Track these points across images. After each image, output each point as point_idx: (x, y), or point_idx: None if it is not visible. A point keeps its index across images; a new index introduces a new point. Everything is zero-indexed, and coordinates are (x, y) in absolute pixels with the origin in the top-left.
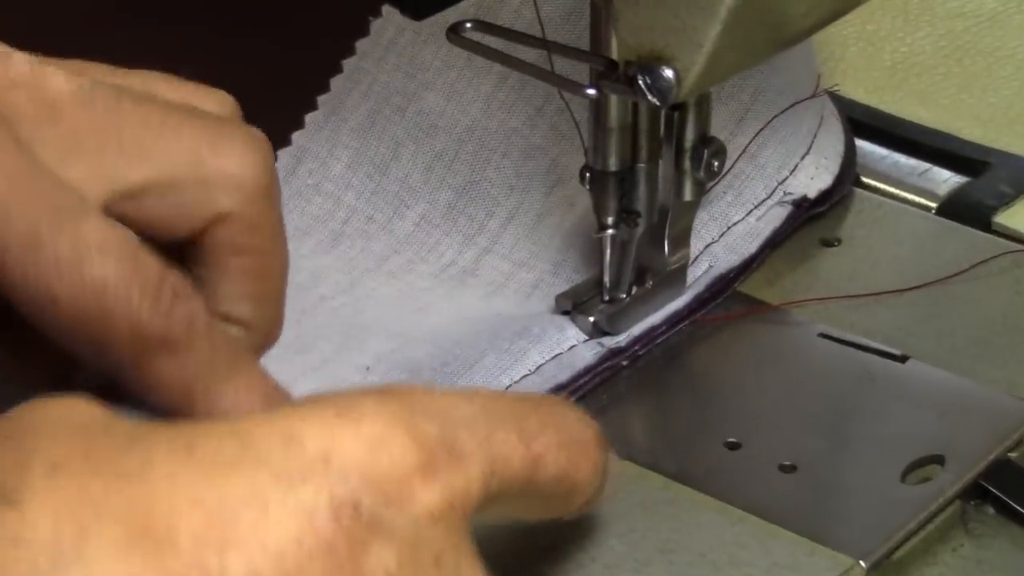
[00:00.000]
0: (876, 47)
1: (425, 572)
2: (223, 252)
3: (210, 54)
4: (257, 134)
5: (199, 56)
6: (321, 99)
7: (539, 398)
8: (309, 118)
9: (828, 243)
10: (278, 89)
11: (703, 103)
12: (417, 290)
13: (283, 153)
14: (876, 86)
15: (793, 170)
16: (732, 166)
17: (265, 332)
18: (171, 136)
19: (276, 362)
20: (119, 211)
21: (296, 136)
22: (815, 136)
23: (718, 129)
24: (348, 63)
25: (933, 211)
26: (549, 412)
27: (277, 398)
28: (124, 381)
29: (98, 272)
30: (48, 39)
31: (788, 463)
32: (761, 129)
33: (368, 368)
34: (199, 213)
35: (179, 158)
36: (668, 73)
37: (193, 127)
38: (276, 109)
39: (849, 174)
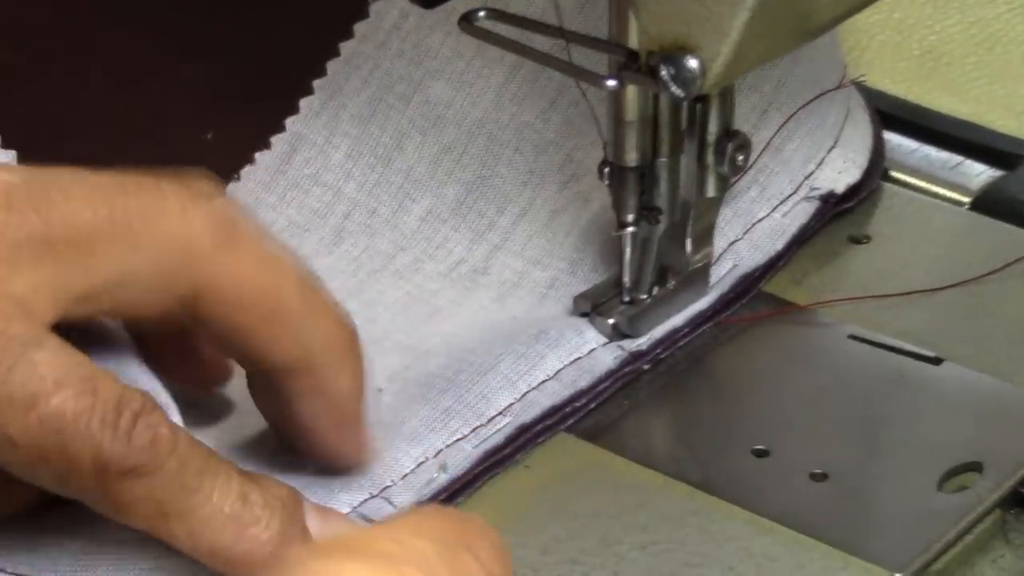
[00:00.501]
0: (904, 35)
1: None
2: (212, 325)
3: (195, 34)
4: (197, 185)
5: (181, 35)
6: (317, 83)
7: (454, 512)
8: (304, 103)
9: (857, 240)
10: (268, 72)
11: (727, 94)
12: (427, 292)
13: (277, 139)
14: (904, 76)
15: (819, 164)
16: (756, 160)
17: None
18: (105, 225)
19: None
20: (77, 315)
21: (290, 122)
22: (842, 129)
23: (739, 122)
24: (346, 46)
25: (966, 206)
26: (473, 523)
27: (253, 497)
28: (92, 506)
29: (55, 409)
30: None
31: (819, 471)
32: (785, 122)
33: (381, 390)
34: (161, 298)
35: (121, 246)
36: (692, 63)
37: (125, 209)
38: (267, 93)
39: (877, 168)
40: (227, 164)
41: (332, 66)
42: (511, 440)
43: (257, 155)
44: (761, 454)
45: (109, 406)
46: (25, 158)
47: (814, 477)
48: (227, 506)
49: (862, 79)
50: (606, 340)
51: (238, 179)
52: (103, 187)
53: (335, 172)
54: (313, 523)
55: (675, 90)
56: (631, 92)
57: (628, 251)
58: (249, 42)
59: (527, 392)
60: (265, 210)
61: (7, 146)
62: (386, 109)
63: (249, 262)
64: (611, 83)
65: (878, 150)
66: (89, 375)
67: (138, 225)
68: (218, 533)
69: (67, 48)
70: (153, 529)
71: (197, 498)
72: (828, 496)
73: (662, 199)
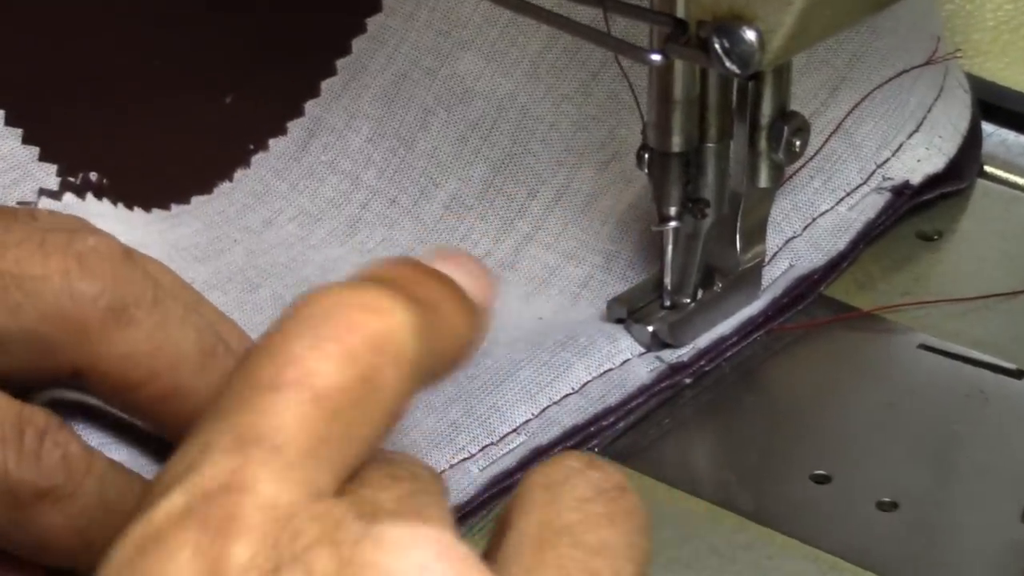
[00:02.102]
0: (976, 4)
1: None
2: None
3: (212, 13)
4: (83, 237)
5: (198, 16)
6: (341, 63)
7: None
8: (325, 85)
9: (927, 237)
10: (290, 53)
11: (783, 71)
12: None
13: (294, 125)
14: (976, 51)
15: (897, 151)
16: (822, 146)
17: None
18: None
19: None
20: None
21: (310, 106)
22: (929, 110)
23: (805, 101)
24: (373, 21)
25: None
26: None
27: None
28: (13, 548)
29: None
30: None
31: (887, 499)
32: (860, 101)
33: None
34: (39, 368)
35: None
36: (750, 35)
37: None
38: (289, 73)
39: (971, 161)
40: (243, 129)
41: (357, 43)
42: (524, 464)
43: (271, 141)
44: (821, 480)
45: (9, 426)
46: (35, 123)
47: (882, 506)
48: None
49: (958, 55)
50: (643, 350)
51: (248, 166)
52: None
53: (354, 158)
54: None
55: (730, 66)
56: (677, 68)
57: (670, 249)
58: (267, 22)
59: (547, 407)
60: (274, 199)
61: (15, 108)
62: (411, 86)
63: (140, 337)
64: (655, 58)
65: (974, 139)
66: None
67: (14, 289)
68: None
69: (80, 7)
70: (78, 565)
71: (125, 523)
72: (898, 528)
73: (709, 190)
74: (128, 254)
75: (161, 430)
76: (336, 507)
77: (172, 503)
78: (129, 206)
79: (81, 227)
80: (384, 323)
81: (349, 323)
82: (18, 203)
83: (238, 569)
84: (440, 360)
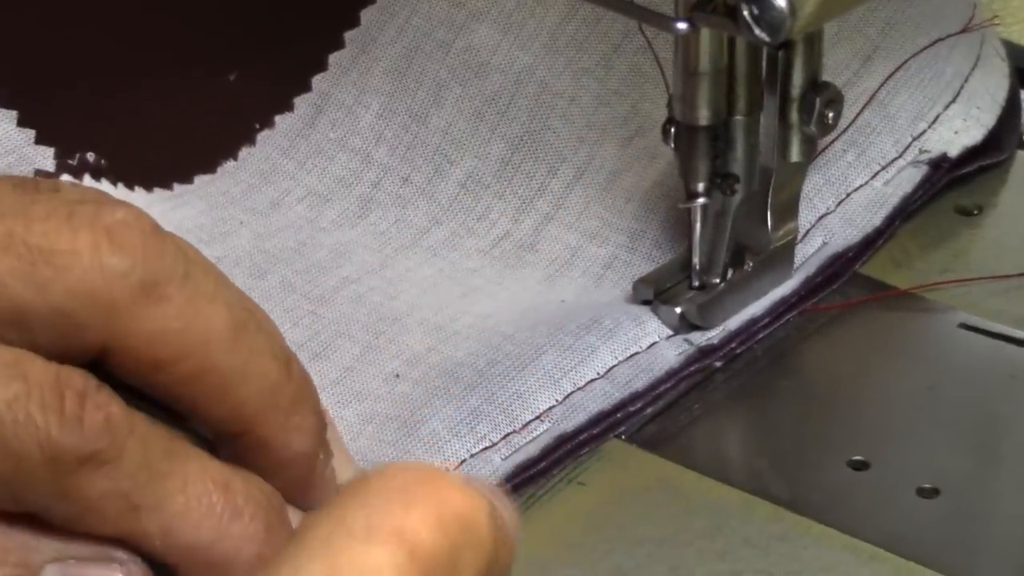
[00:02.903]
0: None
1: None
2: (128, 379)
3: None
4: (112, 210)
5: None
6: (349, 35)
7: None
8: (333, 58)
9: (966, 212)
10: (295, 25)
11: (814, 40)
12: (462, 271)
13: (301, 101)
14: (1015, 17)
15: (933, 122)
16: (856, 118)
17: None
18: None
19: None
20: None
21: (317, 80)
22: (966, 80)
23: (837, 71)
24: None
25: None
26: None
27: (235, 486)
28: (52, 518)
29: None
30: None
31: (928, 486)
32: (894, 71)
33: (398, 376)
34: (62, 347)
35: (20, 283)
36: (780, 1)
37: (27, 240)
38: (294, 48)
39: (1011, 132)
40: (248, 109)
41: (366, 15)
42: (548, 452)
43: (277, 118)
44: (859, 466)
45: (48, 390)
46: (31, 105)
47: (922, 493)
48: (204, 496)
49: (995, 23)
50: (671, 332)
51: (253, 144)
52: (4, 210)
53: (364, 136)
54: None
55: (759, 33)
56: (704, 37)
57: (698, 226)
58: None
59: (572, 392)
60: (281, 178)
61: (19, 88)
62: (423, 59)
63: (171, 314)
64: (681, 26)
65: (1013, 109)
66: (13, 360)
67: (43, 264)
68: (195, 528)
69: None
70: (124, 530)
71: (169, 485)
72: (939, 515)
73: (738, 165)
74: (157, 227)
75: (190, 409)
76: None
77: None
78: (130, 186)
79: (106, 199)
80: (472, 506)
81: (441, 496)
82: (36, 172)
83: None
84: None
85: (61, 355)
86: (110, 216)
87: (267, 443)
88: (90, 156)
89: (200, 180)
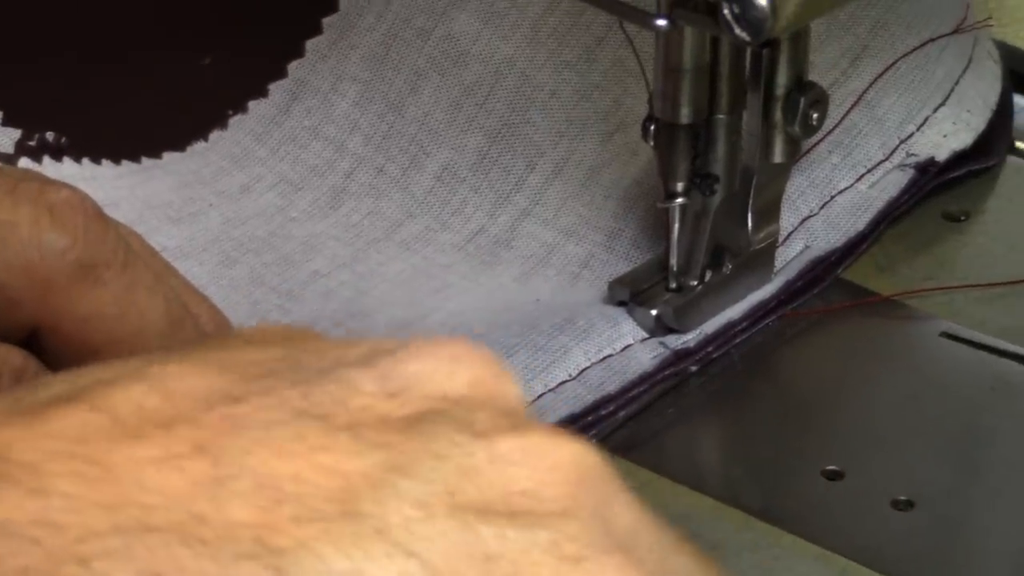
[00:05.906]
0: None
1: None
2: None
3: None
4: (55, 189)
5: None
6: (327, 21)
7: None
8: (310, 44)
9: (952, 217)
10: (274, 10)
11: (800, 39)
12: (436, 266)
13: (276, 87)
14: (1011, 18)
15: (922, 125)
16: (842, 119)
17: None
18: None
19: None
20: None
21: (293, 67)
22: (957, 82)
23: (824, 71)
24: None
25: None
26: None
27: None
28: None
29: None
30: None
31: (903, 498)
32: (883, 72)
33: None
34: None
35: None
36: (761, 0)
37: None
38: (271, 33)
39: (1000, 137)
40: (222, 93)
41: (345, 0)
42: None
43: (251, 103)
44: (834, 476)
45: None
46: (13, 83)
47: (897, 505)
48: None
49: (989, 24)
50: (646, 335)
51: (225, 128)
52: None
53: (339, 124)
54: None
55: (739, 33)
56: (686, 34)
57: (676, 227)
58: None
59: (542, 394)
60: (252, 164)
61: None
62: (401, 47)
63: (107, 299)
64: (661, 23)
65: (1004, 114)
66: None
67: None
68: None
69: None
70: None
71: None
72: (913, 528)
73: (719, 164)
74: (101, 213)
75: None
76: None
77: None
78: (96, 160)
79: (52, 181)
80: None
81: None
82: None
83: None
84: None
85: None
86: (54, 194)
87: None
88: (49, 136)
89: (169, 156)
